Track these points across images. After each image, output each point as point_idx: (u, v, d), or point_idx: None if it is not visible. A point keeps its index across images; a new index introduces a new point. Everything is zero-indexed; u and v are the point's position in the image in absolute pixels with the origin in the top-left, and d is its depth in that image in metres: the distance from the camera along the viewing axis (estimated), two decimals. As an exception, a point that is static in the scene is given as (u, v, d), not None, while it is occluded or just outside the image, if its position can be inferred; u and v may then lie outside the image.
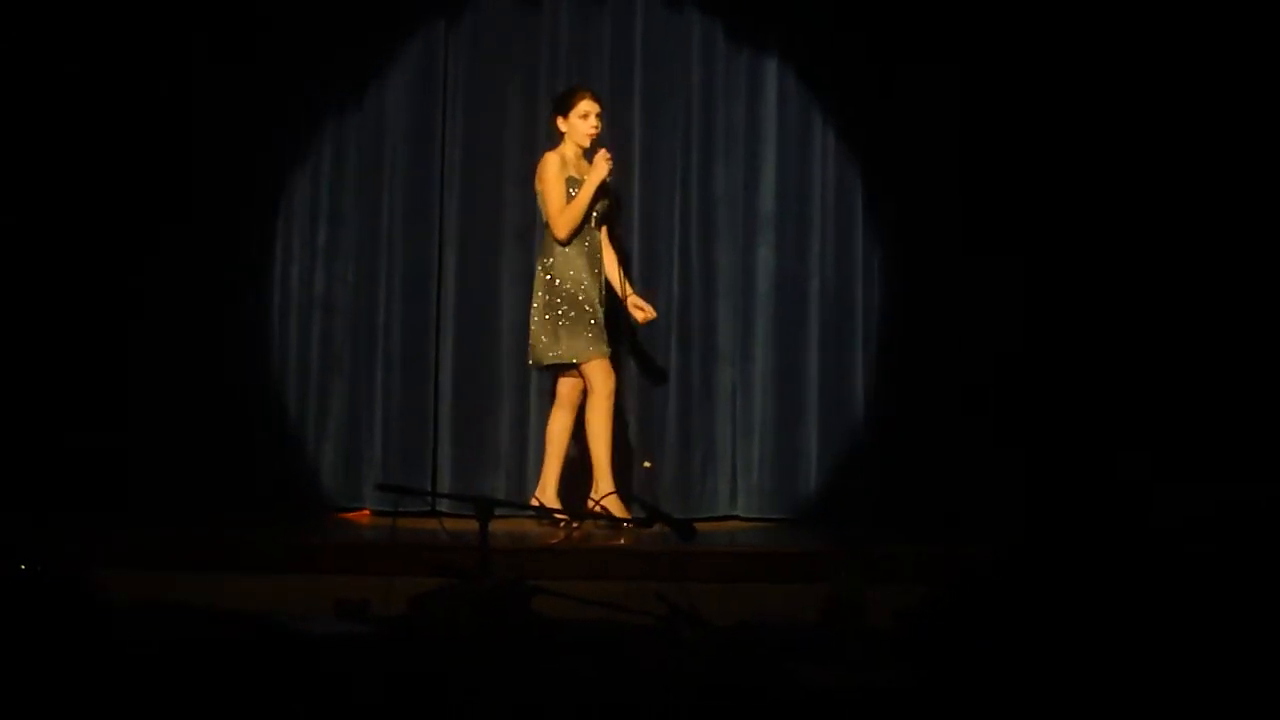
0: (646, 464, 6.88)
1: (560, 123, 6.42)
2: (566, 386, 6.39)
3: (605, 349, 6.30)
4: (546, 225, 6.37)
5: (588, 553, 5.72)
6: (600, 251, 6.42)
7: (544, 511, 6.21)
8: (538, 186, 6.39)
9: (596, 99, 6.44)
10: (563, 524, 6.33)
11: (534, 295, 6.37)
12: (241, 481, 6.80)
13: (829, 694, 2.84)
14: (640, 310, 6.50)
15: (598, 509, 6.14)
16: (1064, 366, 6.75)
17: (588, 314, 6.27)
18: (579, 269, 6.31)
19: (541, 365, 6.38)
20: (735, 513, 7.05)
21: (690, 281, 7.12)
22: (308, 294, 7.12)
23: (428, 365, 7.08)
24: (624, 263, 6.95)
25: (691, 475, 7.06)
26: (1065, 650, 2.17)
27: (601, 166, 6.27)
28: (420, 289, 7.10)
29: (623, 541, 5.96)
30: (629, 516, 6.17)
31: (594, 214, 6.35)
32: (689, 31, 7.18)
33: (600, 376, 6.25)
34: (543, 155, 6.43)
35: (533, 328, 6.34)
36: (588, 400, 6.29)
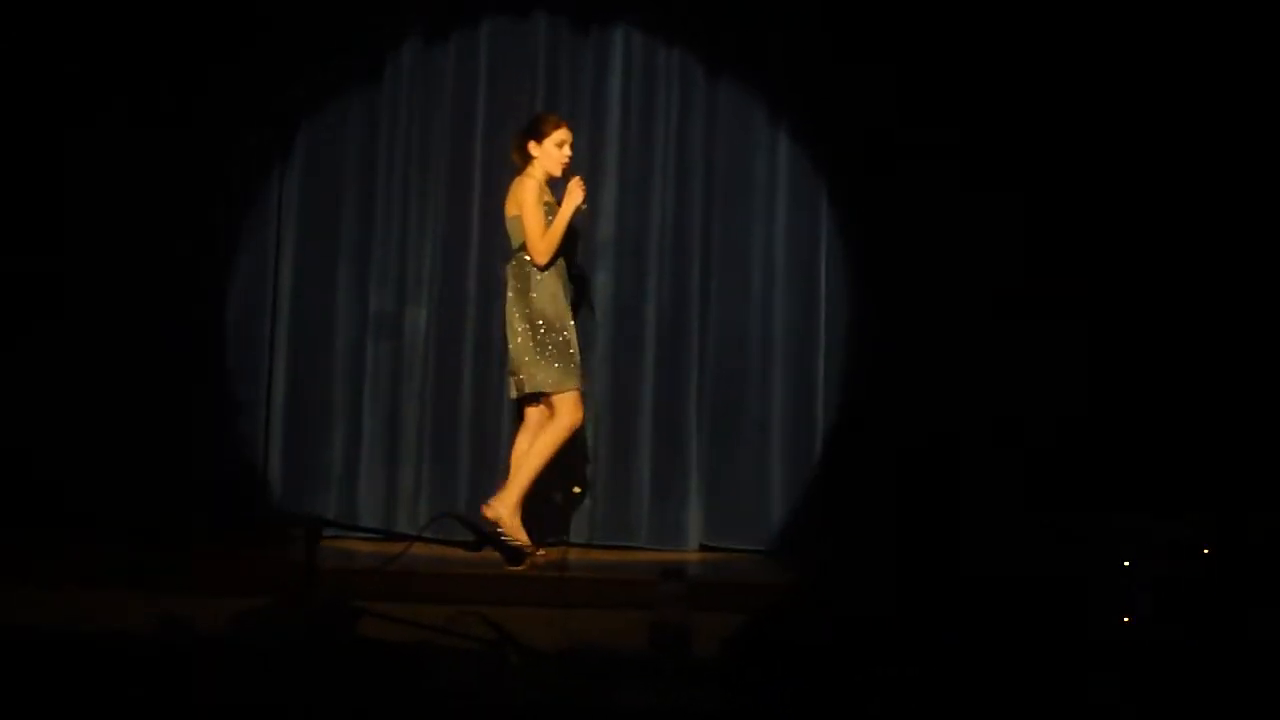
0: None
1: (533, 148, 6.37)
2: (537, 412, 6.34)
3: (578, 382, 6.30)
4: (519, 251, 6.33)
5: (416, 576, 5.69)
6: (570, 279, 6.43)
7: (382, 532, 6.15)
8: (512, 211, 6.34)
9: (570, 128, 6.44)
10: (529, 552, 6.22)
11: (510, 323, 6.31)
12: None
13: (649, 718, 2.87)
14: None
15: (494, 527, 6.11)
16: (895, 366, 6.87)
17: (565, 342, 6.26)
18: (558, 296, 6.31)
19: (525, 393, 6.32)
20: (567, 538, 7.04)
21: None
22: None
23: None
24: (464, 285, 6.98)
25: (529, 500, 7.04)
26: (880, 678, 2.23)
27: (577, 193, 6.28)
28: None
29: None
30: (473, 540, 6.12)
31: (565, 241, 6.36)
32: (535, 53, 7.19)
33: (568, 408, 6.25)
34: (516, 180, 6.38)
35: (519, 356, 6.28)
36: (551, 424, 6.26)
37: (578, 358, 6.32)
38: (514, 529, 6.21)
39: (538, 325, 6.25)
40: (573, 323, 6.36)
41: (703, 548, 6.94)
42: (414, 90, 7.17)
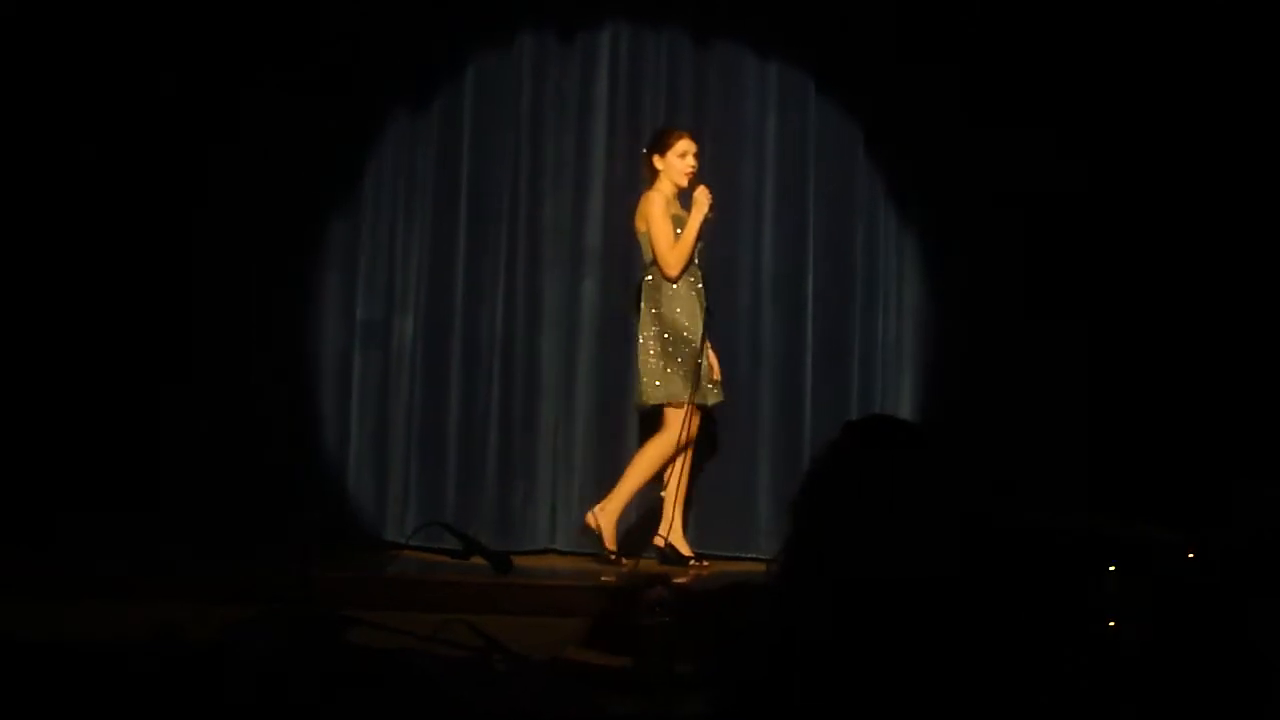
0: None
1: (657, 161, 6.46)
2: (676, 421, 6.35)
3: (701, 397, 6.36)
4: (652, 264, 6.40)
5: (404, 583, 5.72)
6: (703, 292, 6.46)
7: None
8: (640, 227, 6.42)
9: (693, 138, 6.49)
10: (691, 563, 6.41)
11: (641, 335, 6.40)
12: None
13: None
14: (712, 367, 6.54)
15: (594, 526, 6.31)
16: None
17: (690, 355, 6.31)
18: (687, 308, 6.37)
19: (651, 407, 6.42)
20: (554, 546, 7.07)
21: (515, 313, 7.14)
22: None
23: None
24: (449, 291, 7.00)
25: (511, 508, 7.07)
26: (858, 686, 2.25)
27: (704, 203, 6.34)
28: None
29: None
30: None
31: (695, 252, 6.40)
32: (520, 59, 7.20)
33: (677, 421, 6.29)
34: (643, 195, 6.46)
35: (645, 368, 6.38)
36: (659, 435, 6.36)
37: (705, 371, 6.38)
38: (610, 538, 6.35)
39: (666, 339, 6.34)
40: (701, 336, 6.38)
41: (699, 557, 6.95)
42: (401, 101, 7.18)
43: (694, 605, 4.09)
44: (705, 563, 6.46)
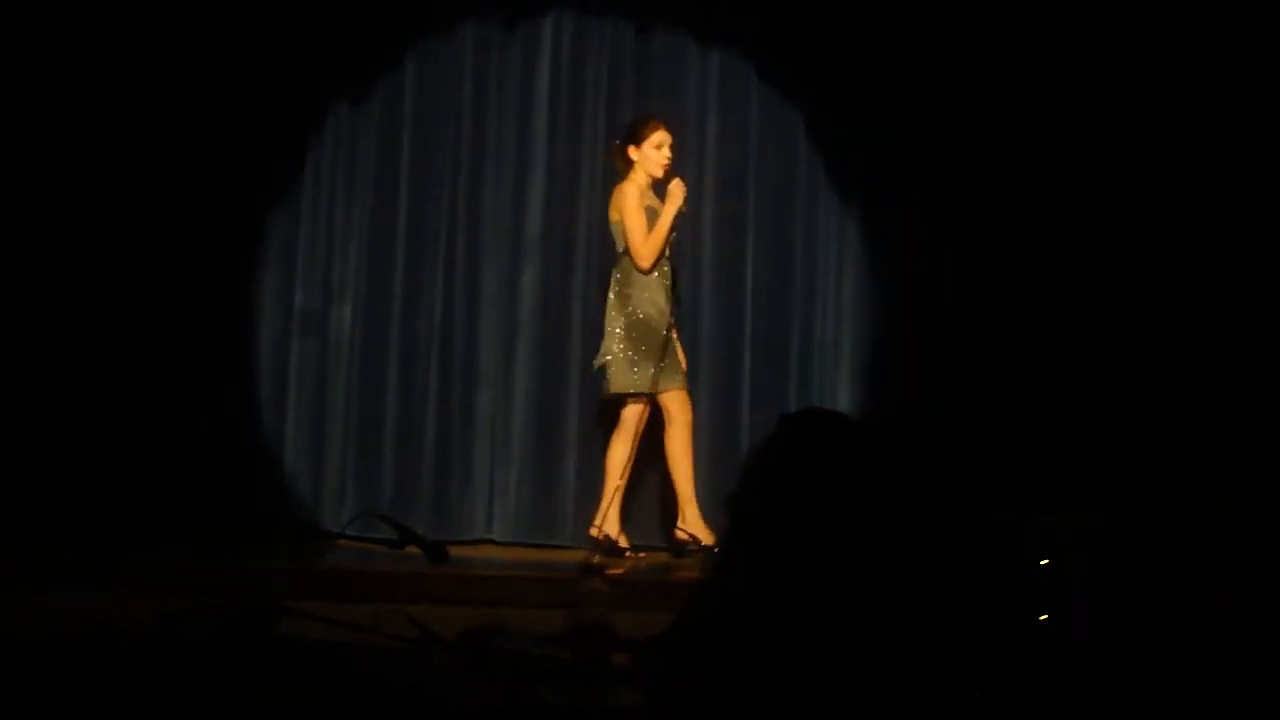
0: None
1: (632, 152, 6.44)
2: (633, 415, 6.39)
3: (681, 380, 6.38)
4: (623, 255, 6.40)
5: (340, 574, 5.69)
6: (673, 282, 6.46)
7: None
8: (614, 217, 6.42)
9: (669, 129, 6.45)
10: (628, 554, 6.40)
11: (608, 324, 6.41)
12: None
13: (571, 716, 2.88)
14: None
15: (686, 537, 6.32)
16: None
17: (664, 343, 6.30)
18: (657, 298, 6.38)
19: (614, 394, 6.42)
20: (491, 536, 7.05)
21: (454, 303, 7.10)
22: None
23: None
24: (388, 281, 6.96)
25: (449, 497, 7.04)
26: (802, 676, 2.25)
27: (678, 196, 6.33)
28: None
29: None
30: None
31: (668, 244, 6.39)
32: (461, 46, 7.16)
33: (678, 406, 6.35)
34: (617, 186, 6.44)
35: (609, 357, 6.38)
36: (668, 430, 6.38)
37: (676, 356, 6.41)
38: (699, 530, 6.34)
39: (634, 329, 6.34)
40: (672, 324, 6.40)
41: (634, 549, 6.94)
42: (341, 90, 7.11)
43: (631, 597, 4.09)
44: (642, 554, 6.46)
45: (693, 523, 6.36)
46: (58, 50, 6.62)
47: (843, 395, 7.19)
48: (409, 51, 7.12)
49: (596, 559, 6.19)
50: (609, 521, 6.40)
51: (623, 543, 6.44)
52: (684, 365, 6.55)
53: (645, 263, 6.36)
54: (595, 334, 7.09)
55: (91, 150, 6.65)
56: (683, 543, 6.39)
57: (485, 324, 7.13)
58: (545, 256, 7.15)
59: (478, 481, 7.08)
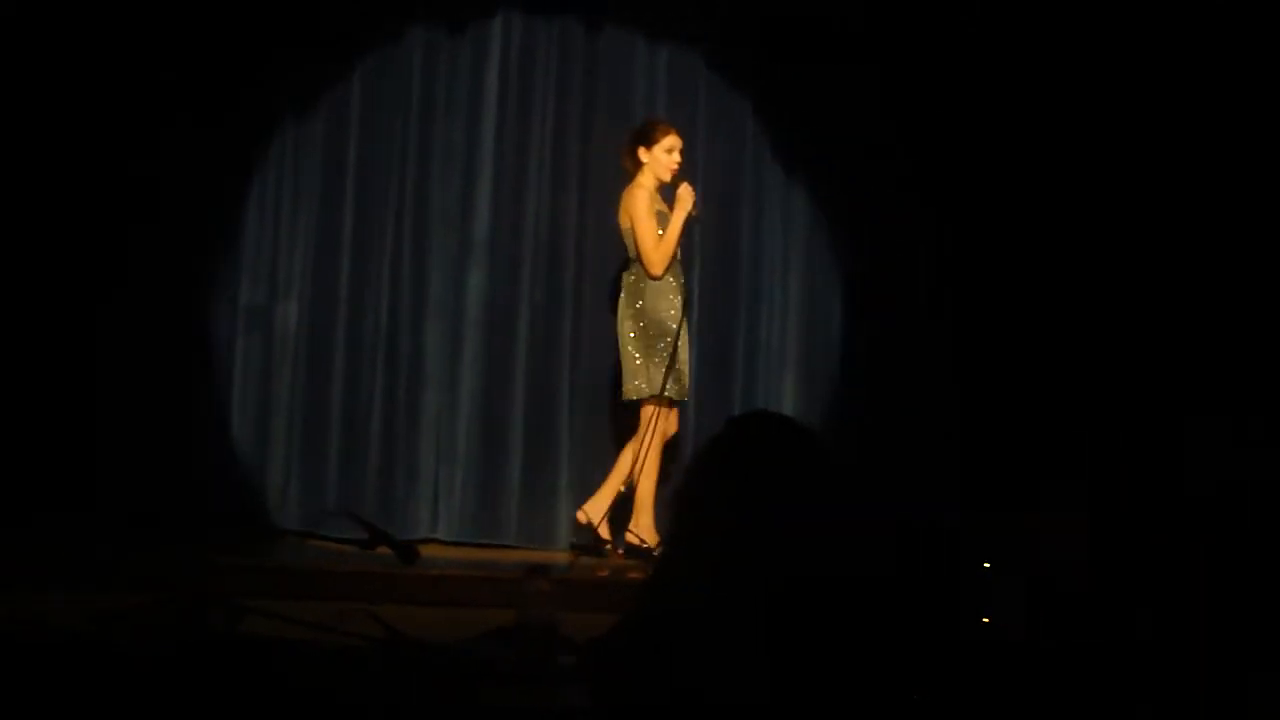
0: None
1: (643, 154, 6.40)
2: (649, 418, 6.35)
3: (678, 391, 6.36)
4: (635, 260, 6.37)
5: (300, 573, 5.68)
6: (685, 287, 6.46)
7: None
8: (625, 222, 6.37)
9: (679, 133, 6.42)
10: (608, 549, 6.42)
11: (622, 330, 6.38)
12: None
13: (519, 716, 2.89)
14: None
15: (636, 540, 6.29)
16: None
17: (669, 349, 6.30)
18: (670, 303, 6.34)
19: (628, 401, 6.40)
20: (436, 535, 7.03)
21: (400, 302, 7.09)
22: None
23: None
24: (335, 279, 6.93)
25: (394, 496, 7.02)
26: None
27: (688, 200, 6.30)
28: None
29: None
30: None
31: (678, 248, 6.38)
32: (410, 46, 7.14)
33: (661, 415, 6.31)
34: (626, 190, 6.40)
35: (626, 365, 6.37)
36: (640, 434, 6.34)
37: (680, 367, 6.37)
38: (649, 535, 6.34)
39: (647, 334, 6.33)
40: (683, 332, 6.37)
41: (572, 547, 6.95)
42: (289, 90, 7.08)
43: (576, 597, 4.09)
44: (620, 550, 6.46)
45: (645, 529, 6.36)
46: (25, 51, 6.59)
47: (788, 398, 7.21)
48: (356, 53, 7.09)
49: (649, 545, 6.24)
50: (598, 509, 6.42)
51: (605, 535, 6.46)
52: (687, 378, 6.53)
53: (657, 268, 6.34)
54: (542, 335, 7.11)
55: (42, 150, 6.62)
56: (632, 545, 6.39)
57: (431, 324, 7.11)
58: (492, 258, 7.13)
59: (423, 481, 7.06)
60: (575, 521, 6.56)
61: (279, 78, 6.99)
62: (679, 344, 6.34)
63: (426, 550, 6.75)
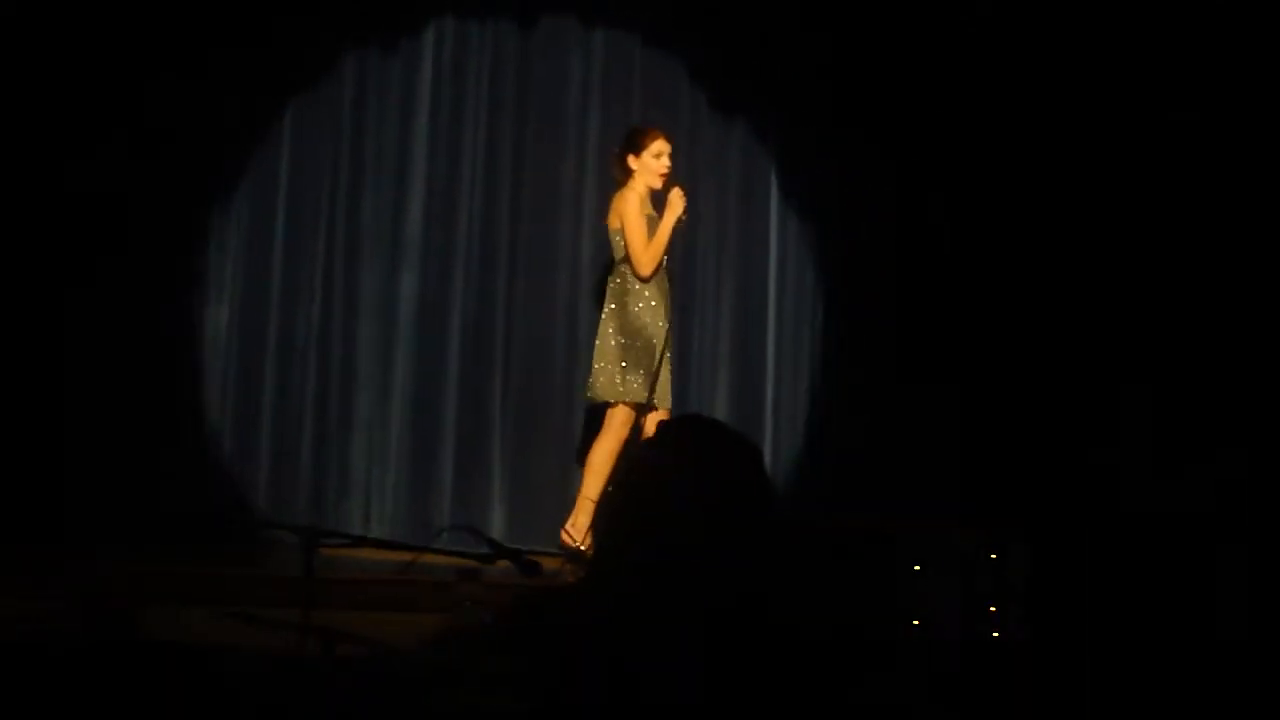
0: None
1: (632, 161, 6.37)
2: (619, 421, 6.32)
3: (646, 395, 6.27)
4: (622, 262, 6.34)
5: (224, 579, 5.65)
6: (670, 293, 6.42)
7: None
8: (614, 225, 6.35)
9: (669, 138, 6.40)
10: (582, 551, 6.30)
11: (603, 330, 6.34)
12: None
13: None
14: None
15: (570, 541, 6.26)
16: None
17: (650, 355, 6.27)
18: (654, 308, 6.33)
19: (601, 401, 6.36)
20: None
21: (332, 305, 7.05)
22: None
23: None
24: (265, 283, 6.89)
25: (326, 498, 6.98)
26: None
27: (678, 205, 6.28)
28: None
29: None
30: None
31: (666, 253, 6.37)
32: (343, 49, 7.11)
33: (627, 421, 6.28)
34: (616, 194, 6.37)
35: (600, 363, 6.32)
36: (605, 435, 6.32)
37: (654, 372, 6.30)
38: (583, 538, 6.30)
39: (628, 338, 6.31)
40: (665, 338, 6.34)
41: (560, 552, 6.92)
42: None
43: (510, 602, 4.08)
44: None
45: (580, 529, 6.35)
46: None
47: (720, 401, 7.24)
48: (289, 53, 7.03)
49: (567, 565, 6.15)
50: (578, 526, 6.38)
51: (586, 545, 6.41)
52: (668, 385, 6.48)
53: (646, 271, 6.34)
54: (474, 337, 7.10)
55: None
56: (567, 546, 6.38)
57: (363, 327, 7.10)
58: (424, 261, 7.13)
59: (355, 483, 7.04)
60: (561, 544, 6.43)
61: (217, 79, 6.92)
62: (661, 350, 6.34)
63: (359, 554, 6.74)
